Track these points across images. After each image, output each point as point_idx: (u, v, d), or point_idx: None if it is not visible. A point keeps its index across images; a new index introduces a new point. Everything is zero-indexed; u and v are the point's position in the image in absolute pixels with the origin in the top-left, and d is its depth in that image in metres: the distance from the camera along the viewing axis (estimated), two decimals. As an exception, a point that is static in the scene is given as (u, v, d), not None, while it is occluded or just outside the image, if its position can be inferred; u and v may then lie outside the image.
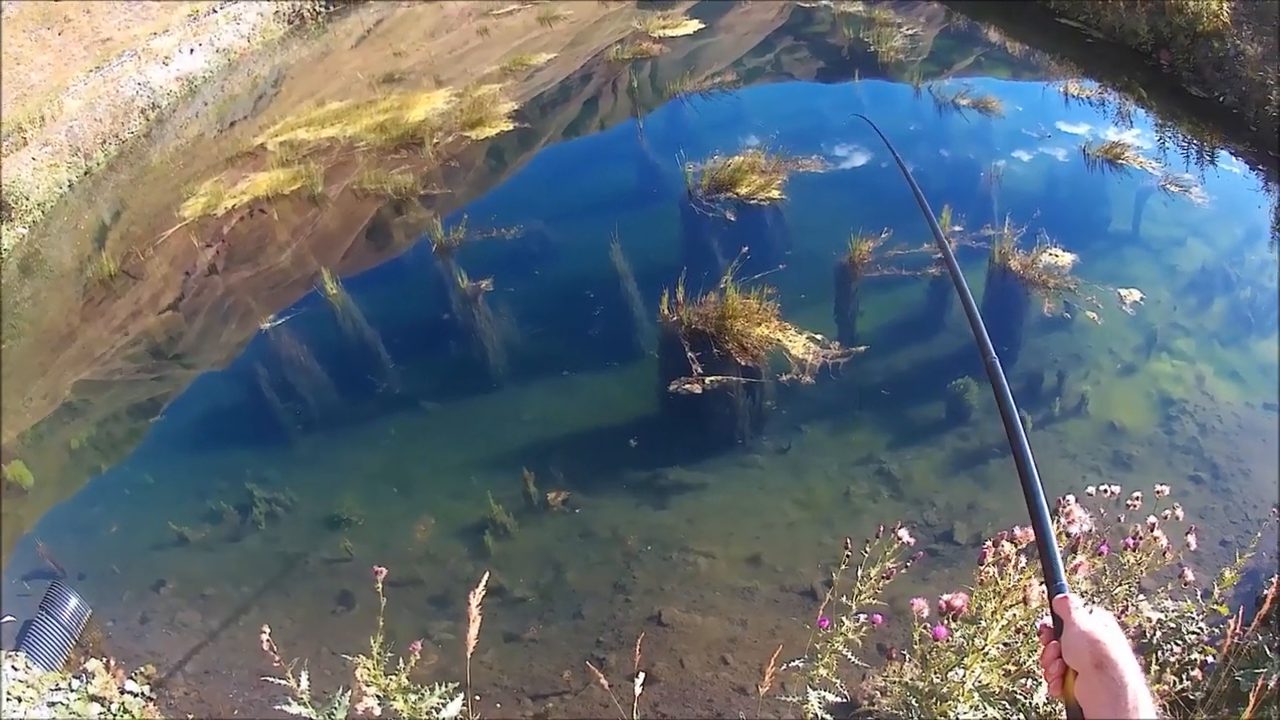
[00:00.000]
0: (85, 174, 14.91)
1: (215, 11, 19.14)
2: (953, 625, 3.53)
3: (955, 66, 15.76)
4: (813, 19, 18.33)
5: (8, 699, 5.58)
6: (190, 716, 6.12)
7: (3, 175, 13.47)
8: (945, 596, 3.31)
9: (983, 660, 3.63)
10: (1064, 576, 1.70)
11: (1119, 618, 3.94)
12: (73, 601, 7.17)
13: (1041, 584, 3.36)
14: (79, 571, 7.80)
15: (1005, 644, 3.66)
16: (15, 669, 5.97)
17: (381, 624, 3.79)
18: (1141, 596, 4.62)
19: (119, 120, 15.94)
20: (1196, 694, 4.40)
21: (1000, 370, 2.09)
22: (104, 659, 6.51)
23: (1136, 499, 4.30)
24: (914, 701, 3.86)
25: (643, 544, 7.27)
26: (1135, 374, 8.49)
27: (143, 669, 6.66)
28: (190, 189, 13.78)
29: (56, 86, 15.37)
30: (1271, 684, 4.15)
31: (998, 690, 3.73)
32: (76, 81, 15.72)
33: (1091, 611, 1.62)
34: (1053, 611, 1.67)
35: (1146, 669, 4.24)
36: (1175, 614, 4.77)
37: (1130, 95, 13.56)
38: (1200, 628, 4.75)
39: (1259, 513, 6.88)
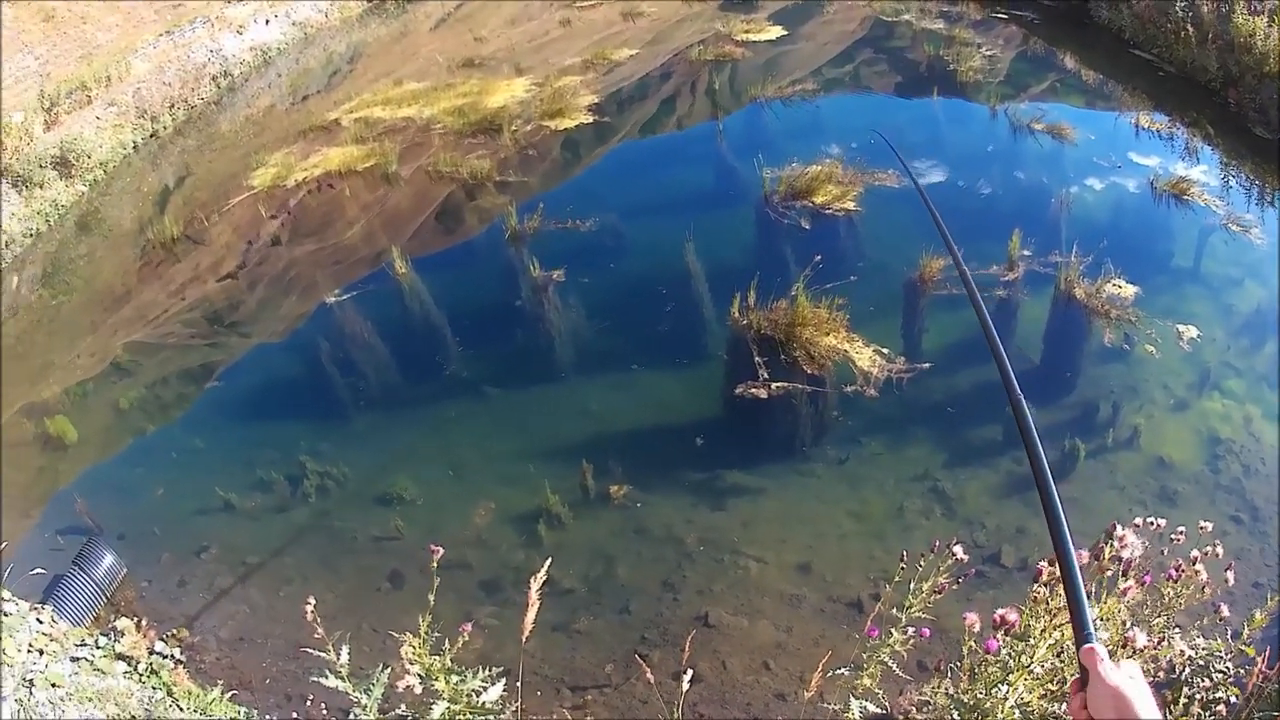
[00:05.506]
0: (151, 136, 15.20)
1: (293, -16, 19.38)
2: (1003, 640, 3.59)
3: (1030, 90, 15.72)
4: (893, 33, 18.40)
5: (28, 650, 5.56)
6: (220, 682, 6.06)
7: (63, 132, 13.70)
8: (1000, 610, 3.38)
9: (1027, 678, 3.69)
10: (1091, 625, 1.70)
11: (1154, 649, 4.02)
12: (108, 559, 7.23)
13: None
14: (119, 531, 7.90)
15: (1050, 663, 3.72)
16: (40, 621, 5.97)
17: (432, 602, 3.77)
18: (1175, 630, 4.66)
19: (189, 85, 16.18)
20: (1220, 731, 4.43)
21: (1026, 410, 2.09)
22: (135, 619, 6.52)
23: (1181, 533, 4.34)
24: (957, 715, 3.92)
25: (696, 544, 7.31)
26: (1187, 410, 8.44)
27: (175, 632, 6.74)
28: (259, 159, 14.06)
29: (124, 48, 15.58)
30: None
31: (1036, 711, 3.79)
32: (146, 44, 15.97)
33: (1118, 664, 1.64)
34: (1079, 662, 1.68)
35: (1175, 701, 4.29)
36: (1205, 651, 4.80)
37: (1198, 131, 13.47)
38: (1227, 667, 4.78)
39: (1295, 558, 6.85)
